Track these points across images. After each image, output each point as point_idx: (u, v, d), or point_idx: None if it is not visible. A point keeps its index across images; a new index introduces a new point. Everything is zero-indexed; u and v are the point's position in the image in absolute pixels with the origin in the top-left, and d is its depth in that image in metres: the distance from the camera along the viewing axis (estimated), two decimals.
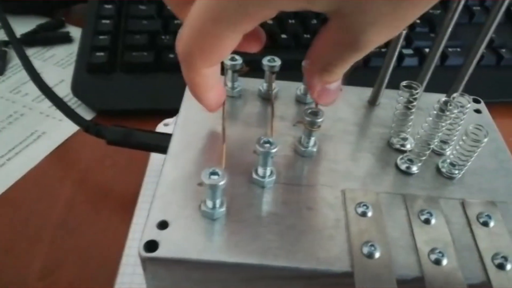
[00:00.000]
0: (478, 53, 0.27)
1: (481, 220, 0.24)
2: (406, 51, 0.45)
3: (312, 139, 0.26)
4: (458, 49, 0.47)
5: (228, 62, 0.28)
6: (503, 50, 0.47)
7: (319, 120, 0.24)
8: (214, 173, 0.21)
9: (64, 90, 0.40)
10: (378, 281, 0.21)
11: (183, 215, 0.22)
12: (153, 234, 0.21)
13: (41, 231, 0.30)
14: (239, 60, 0.28)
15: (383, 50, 0.37)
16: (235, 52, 0.28)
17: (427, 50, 0.46)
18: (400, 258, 0.21)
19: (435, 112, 0.24)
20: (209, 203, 0.22)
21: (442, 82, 0.29)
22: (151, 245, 0.21)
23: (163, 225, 0.22)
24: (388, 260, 0.21)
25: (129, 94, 0.39)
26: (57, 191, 0.33)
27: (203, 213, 0.22)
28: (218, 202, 0.22)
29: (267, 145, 0.22)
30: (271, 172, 0.24)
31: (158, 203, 0.23)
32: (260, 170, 0.24)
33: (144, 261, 0.21)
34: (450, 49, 0.46)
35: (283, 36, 0.44)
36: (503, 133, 0.41)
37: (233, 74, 0.29)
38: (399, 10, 0.17)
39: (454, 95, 0.25)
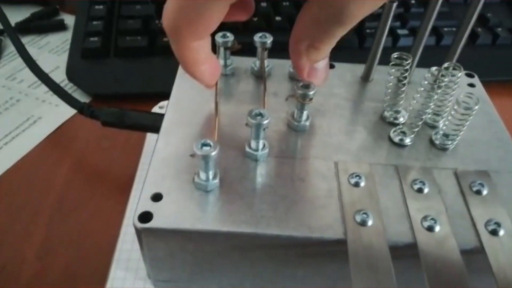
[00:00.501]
0: (469, 27, 0.27)
1: (474, 188, 0.24)
2: (401, 32, 0.45)
3: (305, 113, 0.26)
4: (453, 29, 0.46)
5: (219, 39, 0.28)
6: (499, 29, 0.47)
7: (311, 92, 0.24)
8: (206, 144, 0.21)
9: (59, 76, 0.41)
10: (371, 248, 0.21)
11: (176, 187, 0.22)
12: (148, 206, 0.21)
13: (38, 214, 0.30)
14: (230, 37, 0.28)
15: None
16: (226, 28, 0.28)
17: (445, 29, 0.46)
18: (393, 226, 0.22)
19: (426, 82, 0.24)
20: (202, 175, 0.22)
21: (438, 62, 0.29)
22: (146, 216, 0.21)
23: (157, 197, 0.22)
24: (380, 228, 0.21)
25: (123, 78, 0.39)
26: (53, 174, 0.33)
27: (197, 185, 0.22)
28: (211, 173, 0.22)
29: (259, 117, 0.22)
30: (264, 145, 0.24)
31: (152, 177, 0.23)
32: (253, 143, 0.24)
33: (139, 232, 0.21)
34: (445, 29, 0.46)
35: (277, 18, 0.44)
36: (499, 111, 0.41)
37: (225, 52, 0.29)
38: None
39: (445, 64, 0.25)
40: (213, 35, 0.22)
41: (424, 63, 0.29)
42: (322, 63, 0.24)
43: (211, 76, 0.24)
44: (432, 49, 0.45)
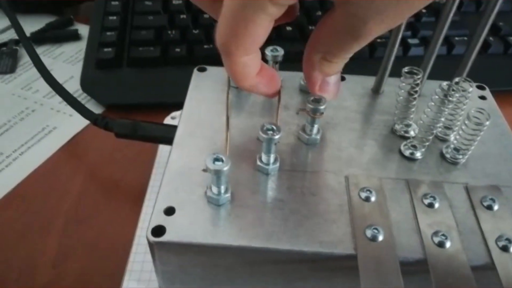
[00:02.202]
0: (481, 38, 0.27)
1: (485, 203, 0.24)
2: (412, 41, 0.45)
3: (316, 126, 0.26)
4: (465, 38, 0.46)
5: None
6: (511, 38, 0.47)
7: (322, 107, 0.24)
8: (218, 159, 0.21)
9: (73, 86, 0.41)
10: (381, 263, 0.21)
11: (189, 201, 0.23)
12: (160, 219, 0.22)
13: (53, 222, 0.31)
14: None
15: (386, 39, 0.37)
16: None
17: (456, 38, 0.46)
18: (403, 241, 0.22)
19: (437, 97, 0.24)
20: (214, 189, 0.22)
21: (450, 72, 0.29)
22: (159, 230, 0.21)
23: (169, 211, 0.22)
24: (391, 243, 0.21)
25: (136, 88, 0.40)
26: (68, 184, 0.33)
27: (209, 199, 0.22)
28: (223, 188, 0.22)
29: (270, 131, 0.23)
30: (275, 159, 0.24)
31: (164, 191, 0.23)
32: (264, 157, 0.24)
33: (152, 246, 0.21)
34: (457, 38, 0.46)
35: (288, 28, 0.45)
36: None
37: None
38: None
39: (456, 79, 0.25)
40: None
41: (435, 73, 0.29)
42: (334, 78, 0.24)
43: (267, 87, 0.24)
44: (444, 59, 0.45)
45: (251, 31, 0.20)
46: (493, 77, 0.44)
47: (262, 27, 0.20)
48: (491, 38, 0.46)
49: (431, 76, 0.29)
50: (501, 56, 0.46)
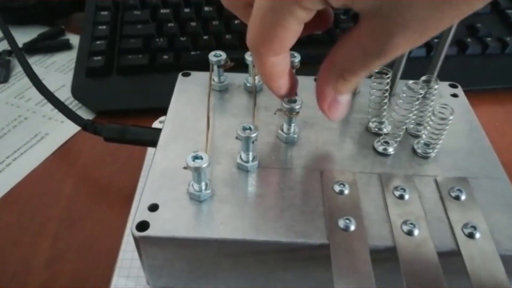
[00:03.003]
0: (447, 41, 0.29)
1: (453, 194, 0.25)
2: None
3: (293, 125, 0.27)
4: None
5: (212, 58, 0.30)
6: (488, 39, 0.48)
7: (297, 107, 0.26)
8: (197, 157, 0.23)
9: (65, 94, 0.43)
10: (352, 251, 0.22)
11: (172, 198, 0.24)
12: (145, 215, 0.23)
13: (46, 224, 0.32)
14: (222, 56, 0.30)
15: None
16: (220, 48, 0.30)
17: (435, 40, 0.47)
18: (374, 230, 0.23)
19: (404, 95, 0.26)
20: (196, 186, 0.24)
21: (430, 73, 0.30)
22: (143, 225, 0.23)
23: (153, 207, 0.23)
24: (362, 232, 0.23)
25: (126, 94, 0.41)
26: (59, 188, 0.35)
27: (191, 196, 0.24)
28: (203, 184, 0.24)
29: (248, 131, 0.24)
30: (254, 157, 0.26)
31: (149, 189, 0.24)
32: (244, 155, 0.25)
33: (137, 240, 0.23)
34: (435, 40, 0.48)
35: None
36: (489, 118, 0.42)
37: (218, 69, 0.30)
38: (436, 13, 0.17)
39: (423, 77, 0.26)
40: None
41: (414, 74, 0.30)
42: (346, 97, 0.24)
43: (287, 89, 0.25)
44: (423, 61, 0.46)
45: (279, 34, 0.20)
46: (472, 77, 0.45)
47: (291, 31, 0.20)
48: (469, 40, 0.48)
49: (411, 77, 0.31)
50: (478, 57, 0.48)
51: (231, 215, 0.23)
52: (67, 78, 0.45)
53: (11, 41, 0.41)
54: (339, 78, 0.22)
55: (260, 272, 0.24)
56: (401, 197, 0.25)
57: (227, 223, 0.23)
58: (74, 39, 0.50)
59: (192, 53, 0.44)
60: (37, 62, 0.48)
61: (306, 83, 0.32)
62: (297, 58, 0.30)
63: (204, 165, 0.22)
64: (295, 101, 0.26)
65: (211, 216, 0.23)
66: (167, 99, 0.31)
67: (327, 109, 0.24)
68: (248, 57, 0.30)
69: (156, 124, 0.38)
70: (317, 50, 0.42)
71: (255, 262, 0.24)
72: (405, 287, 0.21)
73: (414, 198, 0.25)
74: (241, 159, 0.26)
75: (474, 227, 0.23)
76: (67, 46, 0.50)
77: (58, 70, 0.47)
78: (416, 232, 0.23)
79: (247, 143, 0.24)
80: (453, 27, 0.27)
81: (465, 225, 0.23)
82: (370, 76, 0.28)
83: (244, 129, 0.24)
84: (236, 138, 0.24)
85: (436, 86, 0.26)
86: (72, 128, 0.39)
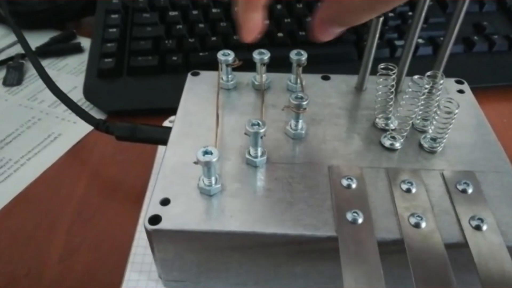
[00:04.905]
0: (453, 36, 0.29)
1: (460, 187, 0.25)
2: (399, 43, 0.47)
3: (300, 122, 0.28)
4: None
5: (221, 57, 0.30)
6: (495, 36, 0.48)
7: (305, 103, 0.26)
8: (207, 152, 0.23)
9: (77, 96, 0.44)
10: (360, 243, 0.22)
11: (183, 193, 0.25)
12: (157, 209, 0.24)
13: (59, 221, 0.33)
14: (231, 55, 0.31)
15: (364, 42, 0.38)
16: (227, 48, 0.31)
17: (441, 39, 0.47)
18: (381, 223, 0.23)
19: (410, 90, 0.26)
20: (206, 181, 0.24)
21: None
22: (155, 219, 0.23)
23: (165, 202, 0.24)
24: (370, 225, 0.23)
25: (136, 95, 0.42)
26: (72, 186, 0.35)
27: (201, 190, 0.24)
28: (213, 179, 0.24)
29: (256, 126, 0.25)
30: (263, 153, 0.26)
31: (160, 184, 0.25)
32: (252, 151, 0.26)
33: (150, 234, 0.23)
34: (442, 39, 0.48)
35: (279, 34, 0.47)
36: (497, 114, 0.42)
37: (227, 68, 0.31)
38: None
39: (429, 73, 0.27)
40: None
41: (420, 72, 0.30)
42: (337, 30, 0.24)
43: (255, 27, 0.25)
44: (429, 59, 0.47)
45: None
46: (479, 74, 0.45)
47: None
48: (476, 37, 0.48)
49: (416, 74, 0.31)
50: (485, 54, 0.48)
51: (241, 209, 0.24)
52: (79, 80, 0.46)
53: (25, 45, 0.42)
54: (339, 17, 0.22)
55: (268, 265, 0.25)
56: (408, 190, 0.25)
57: (236, 216, 0.23)
58: (85, 42, 0.51)
59: (201, 54, 0.45)
60: (49, 65, 0.49)
61: (313, 81, 0.33)
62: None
63: (214, 160, 0.23)
64: (302, 98, 0.26)
65: (221, 209, 0.24)
66: (176, 99, 0.32)
67: (316, 32, 0.24)
68: (256, 55, 0.31)
69: (166, 124, 0.39)
70: (323, 50, 0.43)
71: (263, 255, 0.24)
72: (413, 278, 0.21)
73: (421, 191, 0.25)
74: (250, 154, 0.26)
75: (481, 220, 0.23)
76: (78, 49, 0.51)
77: (70, 73, 0.48)
78: (423, 224, 0.23)
79: (256, 138, 0.25)
80: (458, 22, 0.27)
81: (472, 218, 0.24)
82: (376, 73, 0.28)
83: (253, 124, 0.25)
84: (245, 133, 0.25)
85: (441, 81, 0.27)
86: (84, 129, 0.40)
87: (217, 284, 0.27)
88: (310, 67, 0.31)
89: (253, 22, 0.25)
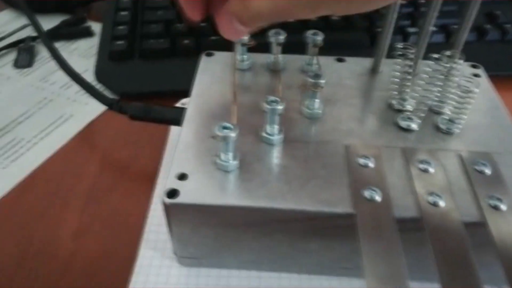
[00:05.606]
0: (471, 17, 0.29)
1: (477, 168, 0.25)
2: (411, 30, 0.47)
3: (317, 101, 0.28)
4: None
5: None
6: (508, 25, 0.48)
7: (322, 81, 0.26)
8: (226, 127, 0.23)
9: (88, 78, 0.43)
10: (378, 221, 0.22)
11: (200, 168, 0.24)
12: (174, 184, 0.24)
13: (71, 200, 0.33)
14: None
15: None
16: None
17: (454, 26, 0.47)
18: (399, 201, 0.23)
19: (429, 69, 0.26)
20: (223, 156, 0.24)
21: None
22: (172, 193, 0.23)
23: (182, 176, 0.24)
24: (388, 203, 0.23)
25: (147, 78, 0.42)
26: (84, 165, 0.35)
27: (218, 166, 0.24)
28: (231, 155, 0.24)
29: (274, 103, 0.25)
30: (279, 131, 0.26)
31: (178, 159, 0.25)
32: (269, 128, 0.26)
33: (167, 207, 0.23)
34: (455, 26, 0.47)
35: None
36: (509, 103, 0.42)
37: (242, 47, 0.31)
38: None
39: (447, 52, 0.26)
40: None
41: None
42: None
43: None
44: (442, 46, 0.46)
45: None
46: (491, 62, 0.45)
47: None
48: (488, 26, 0.48)
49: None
50: (498, 43, 0.47)
51: (257, 184, 0.24)
52: (90, 63, 0.46)
53: (37, 27, 0.42)
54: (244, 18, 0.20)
55: (283, 241, 0.25)
56: (425, 170, 0.25)
57: (253, 191, 0.23)
58: (95, 27, 0.51)
59: (212, 37, 0.44)
60: (60, 48, 0.48)
61: (328, 63, 0.33)
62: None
63: (233, 134, 0.23)
64: (319, 76, 0.26)
65: (237, 185, 0.24)
66: (188, 82, 0.32)
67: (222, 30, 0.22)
68: (272, 35, 0.30)
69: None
70: (335, 36, 0.42)
71: (278, 231, 0.24)
72: (433, 256, 0.21)
73: (438, 171, 0.25)
74: (267, 132, 0.26)
75: (500, 199, 0.23)
76: (88, 33, 0.51)
77: (81, 56, 0.48)
78: (441, 203, 0.23)
79: (273, 115, 0.25)
80: (475, 7, 0.27)
81: (490, 197, 0.24)
82: (390, 57, 0.28)
83: (271, 101, 0.24)
84: (263, 111, 0.25)
85: (461, 61, 0.26)
86: (96, 110, 0.40)
87: (232, 262, 0.27)
88: (321, 53, 0.31)
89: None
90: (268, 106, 0.24)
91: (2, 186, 0.33)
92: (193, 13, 0.23)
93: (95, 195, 0.33)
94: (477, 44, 0.47)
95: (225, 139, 0.23)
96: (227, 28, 0.22)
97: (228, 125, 0.23)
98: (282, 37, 0.30)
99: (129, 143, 0.37)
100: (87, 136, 0.38)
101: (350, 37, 0.46)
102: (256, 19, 0.20)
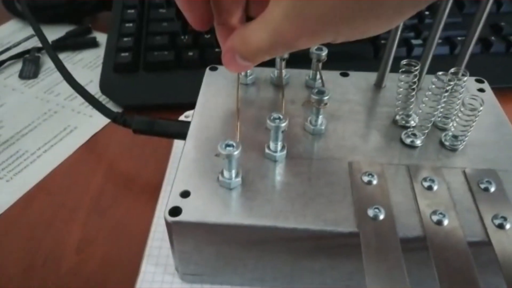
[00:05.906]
0: (477, 32, 0.28)
1: (482, 186, 0.25)
2: (416, 42, 0.47)
3: (320, 117, 0.28)
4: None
5: None
6: None
7: (326, 98, 0.26)
8: (229, 144, 0.23)
9: (93, 89, 0.43)
10: (382, 240, 0.22)
11: (203, 185, 0.24)
12: (177, 201, 0.24)
13: (76, 212, 0.33)
14: None
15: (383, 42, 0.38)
16: None
17: (459, 38, 0.47)
18: (403, 220, 0.23)
19: (433, 86, 0.26)
20: (226, 174, 0.24)
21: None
22: (175, 211, 0.23)
23: (185, 194, 0.24)
24: (392, 221, 0.23)
25: (152, 90, 0.42)
26: (88, 178, 0.35)
27: (221, 183, 0.24)
28: (234, 172, 0.24)
29: (277, 120, 0.25)
30: (282, 147, 0.26)
31: (180, 176, 0.25)
32: (272, 145, 0.26)
33: (169, 225, 0.23)
34: (459, 38, 0.47)
35: None
36: None
37: None
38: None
39: (452, 70, 0.26)
40: None
41: (438, 71, 0.30)
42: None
43: (200, 16, 0.24)
44: (446, 58, 0.46)
45: None
46: (495, 75, 0.45)
47: None
48: (493, 38, 0.48)
49: (433, 73, 0.31)
50: (503, 55, 0.47)
51: (260, 202, 0.24)
52: (94, 75, 0.46)
53: (42, 38, 0.43)
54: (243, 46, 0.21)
55: (286, 260, 0.25)
56: (429, 188, 0.25)
57: (256, 210, 0.23)
58: (101, 37, 0.52)
59: (217, 50, 0.45)
60: (65, 59, 0.49)
61: (332, 78, 0.33)
62: (324, 51, 0.30)
63: (236, 153, 0.23)
64: (323, 92, 0.26)
65: (240, 203, 0.24)
66: (192, 95, 0.32)
67: (225, 62, 0.22)
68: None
69: (181, 119, 0.39)
70: (339, 47, 0.42)
71: (282, 249, 0.24)
72: (437, 276, 0.21)
73: (442, 189, 0.25)
74: (270, 149, 0.26)
75: (505, 218, 0.23)
76: (94, 44, 0.51)
77: (86, 67, 0.48)
78: (445, 222, 0.23)
79: (277, 132, 0.25)
80: (481, 20, 0.27)
81: (495, 216, 0.23)
82: (398, 69, 0.28)
83: (274, 118, 0.24)
84: (266, 128, 0.25)
85: (465, 78, 0.26)
86: (100, 122, 0.40)
87: (234, 279, 0.27)
88: (325, 65, 0.31)
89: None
90: (271, 124, 0.24)
91: (7, 199, 0.34)
92: (195, 24, 0.24)
93: (99, 207, 0.33)
94: (482, 56, 0.47)
95: (228, 157, 0.23)
96: (231, 64, 0.22)
97: (231, 142, 0.23)
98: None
99: (134, 155, 0.37)
100: (91, 148, 0.38)
101: (354, 48, 0.46)
102: (257, 54, 0.21)
